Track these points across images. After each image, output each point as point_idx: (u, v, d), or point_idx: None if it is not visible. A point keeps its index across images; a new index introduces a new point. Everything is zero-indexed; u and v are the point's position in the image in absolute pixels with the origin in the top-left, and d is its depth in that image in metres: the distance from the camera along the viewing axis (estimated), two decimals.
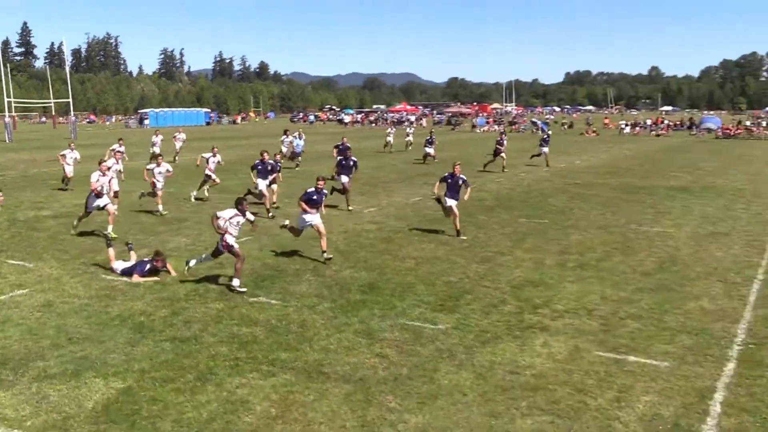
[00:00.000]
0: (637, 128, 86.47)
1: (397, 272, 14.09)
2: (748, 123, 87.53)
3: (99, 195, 17.37)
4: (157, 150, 37.19)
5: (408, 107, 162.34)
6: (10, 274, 13.66)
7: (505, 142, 36.76)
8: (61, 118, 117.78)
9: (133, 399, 8.02)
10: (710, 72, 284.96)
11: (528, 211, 22.02)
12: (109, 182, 17.80)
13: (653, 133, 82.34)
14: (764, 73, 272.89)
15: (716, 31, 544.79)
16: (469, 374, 8.90)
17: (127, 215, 20.09)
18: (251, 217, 13.43)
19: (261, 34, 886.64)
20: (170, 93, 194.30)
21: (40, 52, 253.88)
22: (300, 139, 38.14)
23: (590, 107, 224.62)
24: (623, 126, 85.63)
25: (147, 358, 9.33)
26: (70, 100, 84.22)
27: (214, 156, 24.62)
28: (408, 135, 51.29)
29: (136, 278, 13.13)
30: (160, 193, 20.80)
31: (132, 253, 14.34)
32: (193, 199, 23.62)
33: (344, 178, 22.36)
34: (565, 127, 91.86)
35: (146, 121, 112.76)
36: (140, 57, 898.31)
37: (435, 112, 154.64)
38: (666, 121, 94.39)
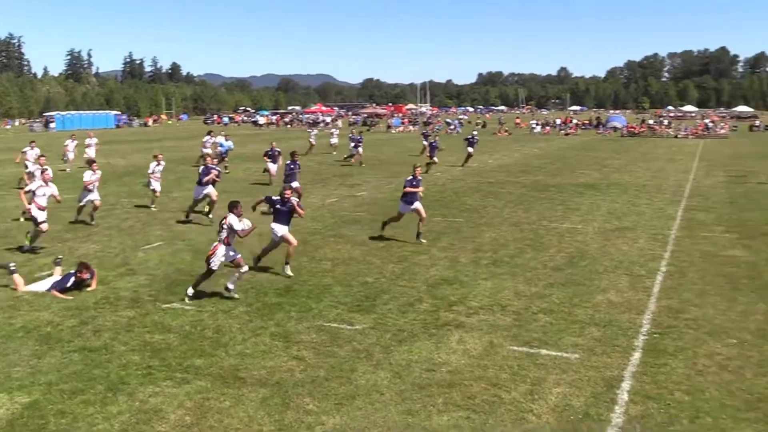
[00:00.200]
0: (547, 128, 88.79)
1: (314, 274, 14.05)
2: (651, 122, 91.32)
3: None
4: (71, 155, 36.14)
5: (323, 108, 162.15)
6: None
7: (437, 143, 36.98)
8: None
9: (40, 413, 7.73)
10: (615, 73, 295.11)
11: (443, 210, 22.30)
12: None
13: (562, 132, 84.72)
14: (665, 74, 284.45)
15: (621, 33, 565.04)
16: (387, 373, 8.94)
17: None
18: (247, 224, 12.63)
19: (173, 34, 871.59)
20: (77, 95, 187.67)
21: None
22: (227, 141, 37.37)
23: (502, 107, 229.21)
24: (534, 125, 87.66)
25: (54, 370, 9.00)
26: None
27: (159, 164, 23.03)
28: (332, 136, 50.71)
29: (54, 294, 12.28)
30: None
31: (58, 268, 13.31)
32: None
33: (295, 183, 21.57)
34: (479, 126, 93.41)
35: (52, 125, 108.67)
36: (46, 58, 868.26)
37: (350, 113, 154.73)
38: (574, 121, 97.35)
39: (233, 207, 12.47)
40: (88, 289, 12.68)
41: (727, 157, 45.67)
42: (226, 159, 36.07)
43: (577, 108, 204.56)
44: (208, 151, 37.11)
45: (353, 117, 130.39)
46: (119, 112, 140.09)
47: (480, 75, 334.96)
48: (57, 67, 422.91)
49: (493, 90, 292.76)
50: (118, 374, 8.85)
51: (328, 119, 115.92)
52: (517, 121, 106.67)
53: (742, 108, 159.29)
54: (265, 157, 30.32)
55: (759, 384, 8.62)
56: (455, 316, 11.31)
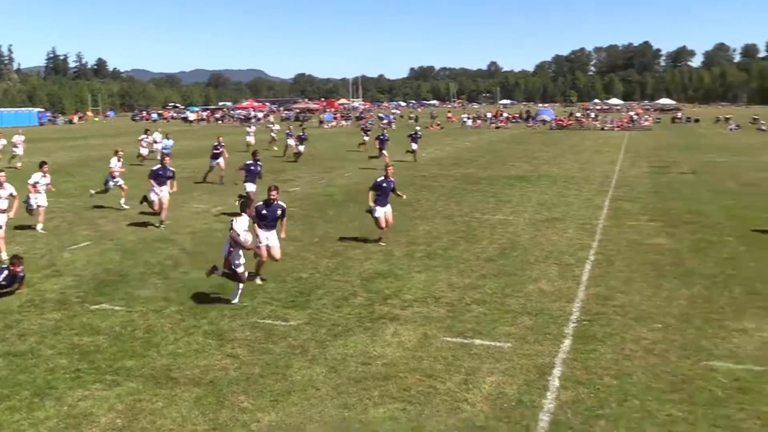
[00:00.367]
0: (478, 121, 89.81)
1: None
2: (578, 114, 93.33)
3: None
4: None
5: (255, 104, 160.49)
6: None
7: (386, 138, 36.70)
8: None
9: None
10: (544, 67, 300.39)
11: None
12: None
13: (493, 125, 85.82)
14: (592, 68, 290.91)
15: (548, 27, 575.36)
16: (322, 368, 8.93)
17: None
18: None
19: (98, 29, 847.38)
20: None
21: None
22: (168, 139, 36.26)
23: (434, 101, 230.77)
24: (465, 119, 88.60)
25: None
26: None
27: (119, 160, 22.52)
28: (272, 132, 49.64)
29: None
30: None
31: None
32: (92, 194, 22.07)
33: (250, 186, 20.43)
34: (412, 121, 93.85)
35: None
36: None
37: (283, 108, 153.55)
38: (505, 114, 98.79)
39: (246, 206, 11.95)
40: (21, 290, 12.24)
41: (651, 149, 47.04)
42: (168, 158, 34.91)
43: (507, 102, 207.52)
44: (143, 150, 36.35)
45: (285, 112, 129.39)
46: (42, 109, 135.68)
47: (412, 70, 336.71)
48: None
49: (425, 84, 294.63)
50: (45, 379, 8.59)
51: (260, 114, 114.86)
52: (449, 115, 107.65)
53: (665, 101, 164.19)
54: (215, 153, 28.94)
55: (682, 366, 8.92)
56: (390, 309, 11.36)
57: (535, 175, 30.61)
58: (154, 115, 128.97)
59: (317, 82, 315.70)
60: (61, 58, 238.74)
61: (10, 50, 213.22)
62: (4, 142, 37.25)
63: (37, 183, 18.54)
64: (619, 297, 11.96)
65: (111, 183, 22.18)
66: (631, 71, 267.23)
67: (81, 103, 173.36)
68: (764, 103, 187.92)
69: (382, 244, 16.30)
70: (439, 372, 8.79)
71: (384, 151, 35.58)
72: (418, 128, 43.04)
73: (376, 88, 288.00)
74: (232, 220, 11.89)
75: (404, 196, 17.40)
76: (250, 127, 52.22)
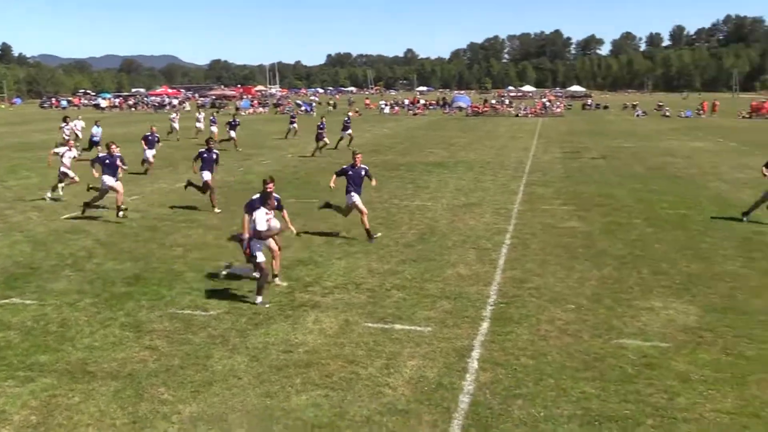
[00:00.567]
0: (396, 108, 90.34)
1: (164, 261, 13.62)
2: (493, 101, 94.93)
3: None
4: None
5: (170, 90, 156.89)
6: None
7: (324, 126, 35.53)
8: None
9: None
10: (459, 54, 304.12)
11: (296, 192, 22.20)
12: None
13: (411, 112, 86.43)
14: (506, 56, 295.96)
15: (463, 15, 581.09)
16: (243, 357, 8.85)
17: None
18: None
19: (2, 13, 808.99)
20: None
21: None
22: (97, 126, 34.67)
23: (352, 88, 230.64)
24: (383, 106, 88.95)
25: None
26: None
27: (70, 150, 21.33)
28: (198, 121, 47.62)
29: None
30: None
31: None
32: (48, 199, 20.54)
33: (207, 175, 19.36)
34: (330, 107, 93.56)
35: None
36: None
37: (198, 95, 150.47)
38: (422, 101, 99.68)
39: (266, 198, 11.46)
40: None
41: (563, 134, 48.28)
42: (98, 147, 33.36)
43: (424, 88, 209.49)
44: (66, 138, 34.92)
45: (201, 99, 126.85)
46: None
47: (329, 56, 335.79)
48: None
49: (343, 71, 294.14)
50: None
51: (175, 101, 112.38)
52: (367, 101, 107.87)
53: (576, 88, 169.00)
54: (143, 143, 27.90)
55: (595, 345, 9.23)
56: (311, 297, 11.33)
57: (452, 161, 30.99)
58: (64, 102, 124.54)
59: (233, 69, 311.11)
60: None
61: None
62: None
63: (63, 155, 19.03)
64: (534, 279, 12.26)
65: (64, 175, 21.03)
66: (544, 59, 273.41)
67: None
68: (668, 90, 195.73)
69: (378, 235, 15.53)
70: (360, 357, 8.83)
71: (325, 138, 34.56)
72: (350, 114, 42.86)
73: (294, 75, 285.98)
74: (254, 219, 11.17)
75: (374, 182, 16.65)
76: (174, 114, 49.67)
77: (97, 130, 33.89)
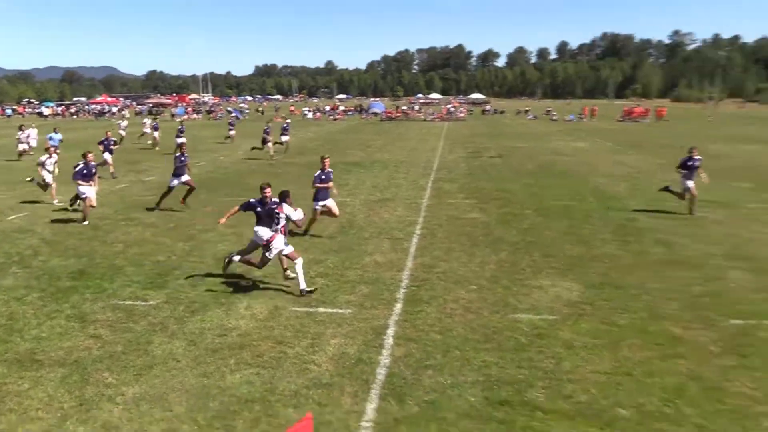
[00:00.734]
0: (318, 114, 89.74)
1: (106, 257, 13.23)
2: (405, 107, 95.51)
3: None
4: None
5: (109, 99, 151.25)
6: None
7: (270, 131, 34.07)
8: None
9: None
10: (374, 65, 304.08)
11: (228, 191, 21.89)
12: None
13: (331, 117, 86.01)
14: (415, 67, 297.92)
15: (378, 30, 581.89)
16: (182, 342, 8.73)
17: None
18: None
19: None
20: None
21: None
22: (56, 133, 32.79)
23: (278, 96, 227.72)
24: (306, 112, 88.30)
25: None
26: None
27: (51, 156, 20.16)
28: (145, 126, 45.66)
29: None
30: None
31: None
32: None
33: (175, 181, 18.32)
34: (259, 113, 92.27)
35: None
36: None
37: (136, 102, 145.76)
38: (341, 107, 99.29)
39: (285, 196, 11.23)
40: None
41: (466, 137, 49.02)
42: (58, 151, 31.67)
43: (343, 96, 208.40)
44: (25, 146, 33.32)
45: (139, 107, 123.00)
46: None
47: (257, 67, 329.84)
48: None
49: (269, 81, 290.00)
50: None
51: (115, 109, 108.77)
52: (292, 108, 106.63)
53: (477, 95, 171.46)
54: (100, 147, 26.55)
55: (493, 320, 9.49)
56: (243, 286, 11.23)
57: (369, 161, 31.09)
58: (9, 111, 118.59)
59: (169, 79, 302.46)
60: None
61: None
62: None
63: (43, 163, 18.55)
64: (441, 264, 12.48)
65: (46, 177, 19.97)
66: (448, 70, 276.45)
67: None
68: (555, 97, 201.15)
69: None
70: (288, 338, 8.83)
71: (269, 144, 33.35)
72: (288, 121, 42.14)
73: (225, 84, 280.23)
74: (280, 213, 11.06)
75: (335, 190, 15.87)
76: (122, 122, 47.69)
77: (56, 137, 32.14)
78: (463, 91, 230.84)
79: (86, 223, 16.49)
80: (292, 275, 11.32)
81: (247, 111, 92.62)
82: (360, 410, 6.93)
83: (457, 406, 7.02)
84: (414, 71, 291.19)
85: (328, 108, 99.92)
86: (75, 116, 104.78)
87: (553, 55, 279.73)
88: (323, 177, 14.90)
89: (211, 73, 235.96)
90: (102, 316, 9.74)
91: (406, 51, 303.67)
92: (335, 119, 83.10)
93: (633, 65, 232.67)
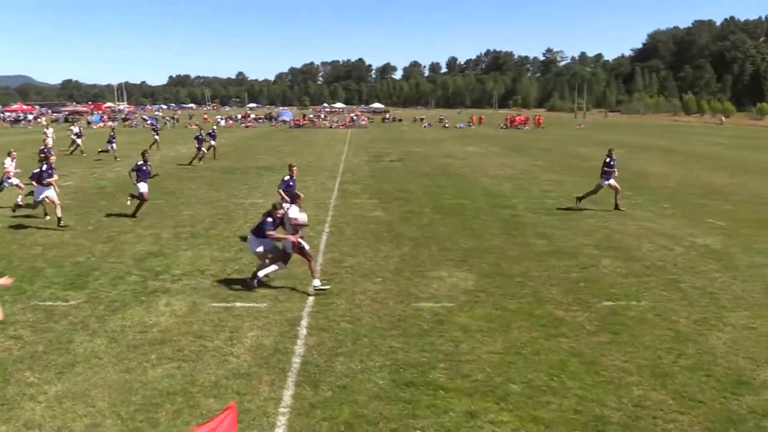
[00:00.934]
0: (231, 121, 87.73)
1: (25, 259, 12.39)
2: (311, 116, 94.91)
3: None
4: None
5: (25, 107, 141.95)
6: None
7: (204, 138, 32.43)
8: None
9: None
10: (282, 77, 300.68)
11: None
12: None
13: (243, 125, 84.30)
14: (320, 78, 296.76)
15: (285, 43, 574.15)
16: (103, 340, 8.30)
17: None
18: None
19: None
20: None
21: None
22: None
23: (192, 105, 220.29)
24: (219, 120, 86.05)
25: None
26: None
27: (12, 160, 18.59)
28: (73, 133, 42.39)
29: None
30: None
31: None
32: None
33: (143, 186, 16.92)
34: (174, 120, 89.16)
35: None
36: None
37: (52, 110, 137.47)
38: (252, 115, 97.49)
39: (299, 202, 11.38)
40: None
41: (368, 142, 49.27)
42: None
43: (254, 105, 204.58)
44: None
45: (55, 114, 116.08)
46: None
47: (171, 77, 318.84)
48: None
49: (183, 90, 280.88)
50: None
51: (30, 117, 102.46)
52: (205, 116, 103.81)
53: (377, 105, 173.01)
54: (39, 155, 23.82)
55: (398, 309, 9.57)
56: (162, 284, 10.81)
57: (280, 165, 30.54)
58: None
59: (84, 88, 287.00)
60: None
61: None
62: None
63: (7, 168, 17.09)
64: (349, 259, 12.47)
65: (6, 183, 18.49)
66: (350, 81, 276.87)
67: None
68: (446, 106, 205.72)
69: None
70: (207, 333, 8.57)
71: (203, 149, 31.97)
72: (215, 127, 40.60)
73: (140, 93, 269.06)
74: (286, 211, 10.72)
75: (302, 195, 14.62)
76: (48, 129, 44.03)
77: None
78: (364, 101, 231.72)
79: (48, 218, 15.90)
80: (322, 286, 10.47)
81: (168, 119, 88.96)
82: (277, 397, 6.81)
83: (367, 389, 7.02)
84: (319, 82, 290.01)
85: (239, 116, 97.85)
86: None
87: (443, 69, 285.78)
88: (291, 184, 14.60)
89: (126, 83, 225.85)
90: (22, 318, 9.12)
91: (312, 63, 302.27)
92: (247, 126, 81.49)
93: (513, 79, 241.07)
